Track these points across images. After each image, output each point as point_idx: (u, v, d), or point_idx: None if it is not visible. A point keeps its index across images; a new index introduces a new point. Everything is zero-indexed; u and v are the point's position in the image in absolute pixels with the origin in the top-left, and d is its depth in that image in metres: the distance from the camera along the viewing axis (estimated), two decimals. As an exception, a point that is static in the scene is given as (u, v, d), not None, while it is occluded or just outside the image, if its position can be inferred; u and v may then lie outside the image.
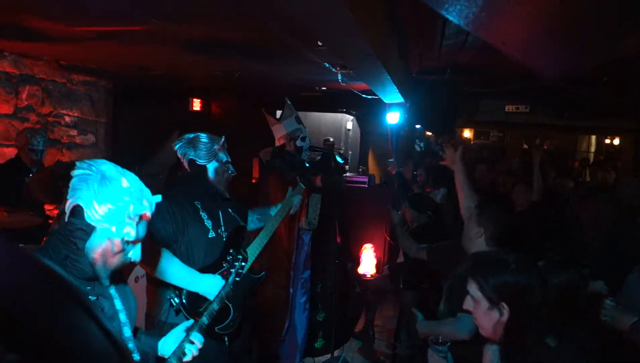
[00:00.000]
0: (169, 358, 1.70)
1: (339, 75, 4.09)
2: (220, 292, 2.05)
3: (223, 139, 2.45)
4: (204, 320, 1.92)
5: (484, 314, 1.58)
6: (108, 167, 1.38)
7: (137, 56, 4.33)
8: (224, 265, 2.29)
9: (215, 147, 2.39)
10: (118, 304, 1.51)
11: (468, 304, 1.65)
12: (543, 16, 1.30)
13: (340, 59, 3.45)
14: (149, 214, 1.44)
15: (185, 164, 2.39)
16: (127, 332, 1.52)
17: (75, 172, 1.36)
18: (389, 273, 4.57)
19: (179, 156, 2.41)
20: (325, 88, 6.07)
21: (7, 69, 4.67)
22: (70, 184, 1.35)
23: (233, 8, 2.45)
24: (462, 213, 2.70)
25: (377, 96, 5.09)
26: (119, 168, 1.41)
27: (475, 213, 2.46)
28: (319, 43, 3.00)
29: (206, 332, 1.90)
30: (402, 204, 4.22)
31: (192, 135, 2.39)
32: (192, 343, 1.74)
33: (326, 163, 3.92)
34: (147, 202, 1.42)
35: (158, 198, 1.49)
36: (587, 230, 3.18)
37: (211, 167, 2.39)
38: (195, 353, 1.74)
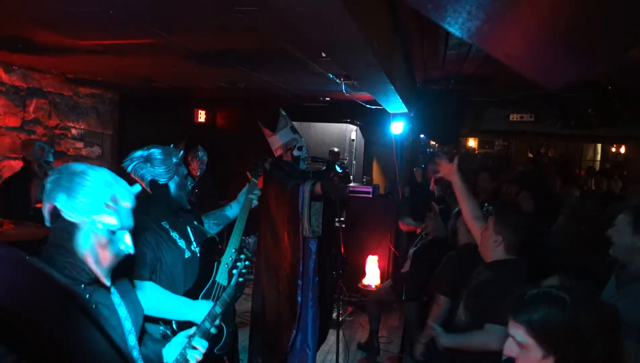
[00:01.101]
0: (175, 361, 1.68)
1: (343, 85, 4.11)
2: (223, 295, 1.96)
3: (181, 153, 2.30)
4: (206, 324, 1.86)
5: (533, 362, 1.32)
6: (76, 165, 1.42)
7: (142, 68, 4.37)
8: (206, 284, 2.22)
9: (175, 161, 2.22)
10: (122, 311, 1.50)
11: (511, 350, 1.37)
12: (546, 29, 1.31)
13: (344, 69, 3.46)
14: (129, 202, 1.46)
15: (145, 186, 2.18)
16: (132, 340, 1.51)
17: (47, 180, 1.40)
18: (392, 283, 4.54)
19: (136, 177, 2.17)
20: (329, 98, 6.09)
21: (15, 82, 4.72)
22: (44, 192, 1.38)
23: (238, 20, 2.47)
24: (466, 219, 2.68)
25: (381, 106, 5.10)
26: (89, 165, 1.44)
27: (493, 221, 2.44)
28: (323, 54, 3.02)
29: (206, 356, 1.82)
30: (429, 214, 4.13)
31: (144, 152, 2.19)
32: (194, 348, 1.71)
33: (329, 173, 3.92)
34: (124, 189, 1.45)
35: (137, 188, 1.51)
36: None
37: (173, 183, 2.22)
38: (199, 358, 1.71)
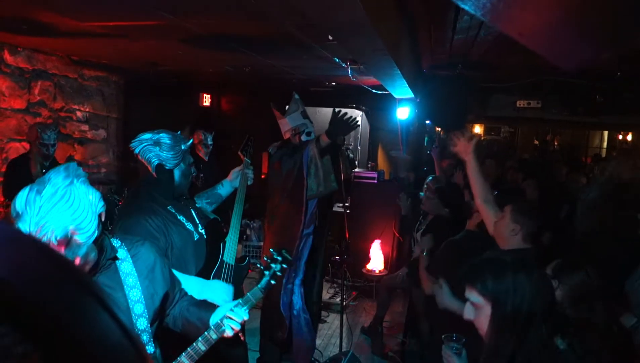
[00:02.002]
0: (208, 331, 1.71)
1: (349, 70, 4.08)
2: (248, 295, 1.89)
3: (190, 141, 2.30)
4: (250, 296, 1.85)
5: (486, 319, 1.52)
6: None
7: (147, 51, 4.35)
8: (215, 264, 2.26)
9: (183, 148, 2.22)
10: (135, 294, 1.51)
11: (468, 313, 1.58)
12: (561, 5, 1.28)
13: (351, 53, 3.43)
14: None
15: (152, 169, 2.17)
16: (142, 323, 1.52)
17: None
18: (408, 270, 4.52)
19: (143, 159, 2.17)
20: (334, 83, 6.05)
21: (20, 64, 4.71)
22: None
23: (244, 2, 2.44)
24: (477, 203, 2.65)
25: (386, 91, 5.06)
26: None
27: (510, 209, 2.41)
28: (330, 38, 2.99)
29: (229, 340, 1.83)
30: (427, 194, 4.16)
31: (154, 135, 2.17)
32: (230, 318, 1.72)
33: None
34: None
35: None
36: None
37: (178, 171, 2.22)
38: (236, 328, 1.72)
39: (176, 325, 1.74)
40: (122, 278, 1.49)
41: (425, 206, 4.10)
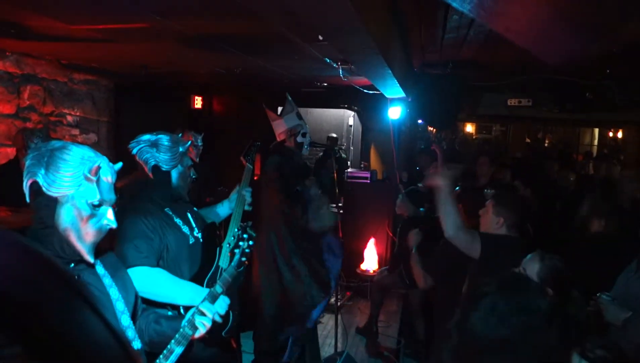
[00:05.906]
0: (183, 327, 1.70)
1: (340, 70, 4.07)
2: (223, 274, 1.92)
3: (189, 143, 2.29)
4: (217, 288, 1.86)
5: None
6: (57, 141, 1.42)
7: (137, 53, 4.32)
8: (210, 269, 2.24)
9: (181, 150, 2.22)
10: (114, 293, 1.50)
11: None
12: (547, 2, 1.29)
13: (341, 53, 3.43)
14: (110, 177, 1.44)
15: (148, 170, 2.17)
16: (125, 320, 1.51)
17: (27, 157, 1.40)
18: (403, 270, 4.51)
19: (140, 160, 2.17)
20: (326, 84, 6.05)
21: (9, 69, 4.67)
22: (25, 168, 1.38)
23: (234, 3, 2.43)
24: (447, 236, 2.50)
25: (378, 91, 5.07)
26: (71, 142, 1.44)
27: (492, 204, 2.50)
28: (320, 37, 2.98)
29: (215, 340, 1.84)
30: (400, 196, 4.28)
31: (152, 137, 2.18)
32: (202, 314, 1.73)
33: (326, 160, 3.93)
34: (106, 163, 1.44)
35: (119, 164, 1.51)
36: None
37: (175, 172, 2.22)
38: (207, 323, 1.73)
39: (142, 338, 1.70)
40: (101, 278, 1.49)
41: (398, 208, 4.27)
